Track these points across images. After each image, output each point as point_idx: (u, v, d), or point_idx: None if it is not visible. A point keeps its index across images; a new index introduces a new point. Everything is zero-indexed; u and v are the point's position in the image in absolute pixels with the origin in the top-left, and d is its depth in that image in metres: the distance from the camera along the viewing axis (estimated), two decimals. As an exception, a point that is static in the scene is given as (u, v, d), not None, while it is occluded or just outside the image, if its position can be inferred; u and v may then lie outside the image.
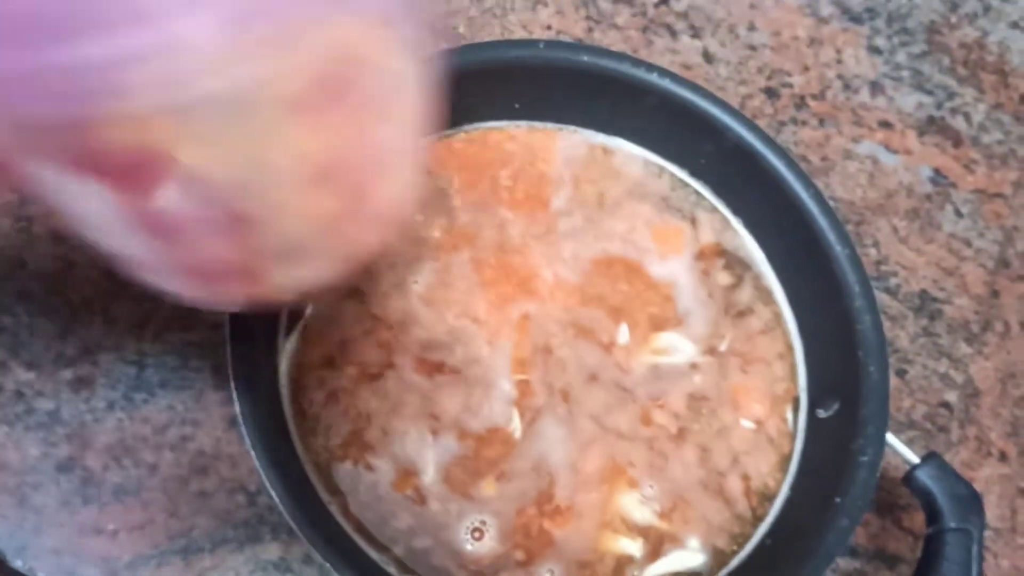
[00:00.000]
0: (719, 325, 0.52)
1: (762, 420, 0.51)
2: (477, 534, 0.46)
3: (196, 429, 0.49)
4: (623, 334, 0.51)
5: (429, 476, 0.46)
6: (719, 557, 0.48)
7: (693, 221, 0.55)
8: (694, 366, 0.51)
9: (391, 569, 0.44)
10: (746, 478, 0.49)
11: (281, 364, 0.47)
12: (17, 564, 0.45)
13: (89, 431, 0.48)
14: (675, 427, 0.50)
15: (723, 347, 0.52)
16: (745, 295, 0.53)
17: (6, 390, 0.48)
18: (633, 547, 0.47)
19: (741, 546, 0.48)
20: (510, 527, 0.46)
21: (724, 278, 0.53)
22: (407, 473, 0.46)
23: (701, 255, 0.54)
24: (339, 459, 0.46)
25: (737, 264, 0.54)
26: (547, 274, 0.52)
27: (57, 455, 0.47)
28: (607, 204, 0.54)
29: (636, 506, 0.48)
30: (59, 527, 0.46)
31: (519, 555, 0.46)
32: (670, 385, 0.51)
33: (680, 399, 0.50)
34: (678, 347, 0.52)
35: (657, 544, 0.47)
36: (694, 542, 0.48)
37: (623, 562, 0.47)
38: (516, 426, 0.48)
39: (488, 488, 0.47)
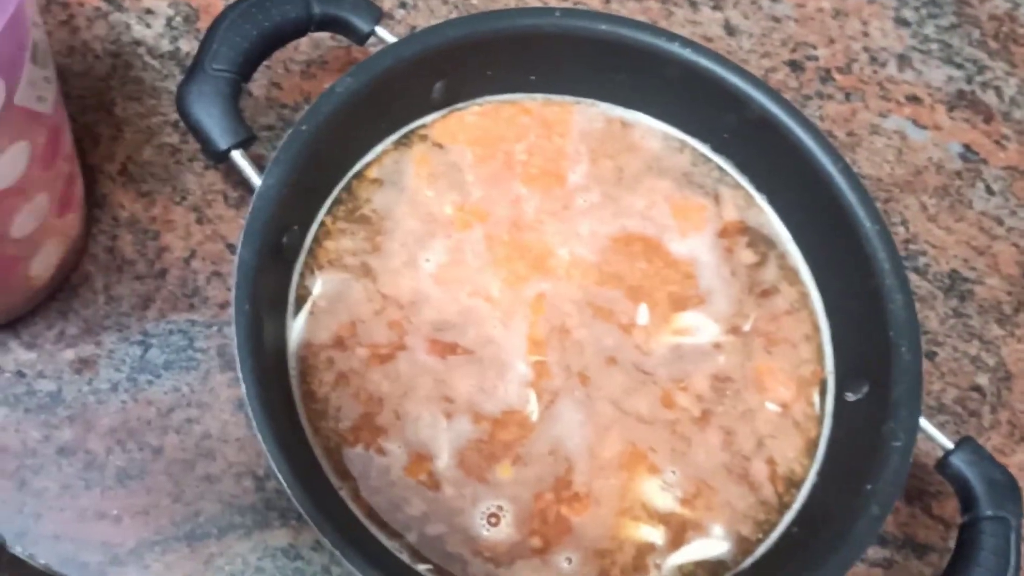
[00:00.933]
0: (743, 304, 0.50)
1: (788, 403, 0.49)
2: (493, 520, 0.44)
3: (202, 411, 0.47)
4: (642, 314, 0.49)
5: (443, 460, 0.45)
6: (744, 545, 0.46)
7: (716, 197, 0.53)
8: (717, 346, 0.49)
9: (403, 556, 0.43)
10: (772, 462, 0.47)
11: (290, 344, 0.46)
12: (17, 550, 0.43)
13: (92, 413, 0.46)
14: (698, 410, 0.48)
15: (747, 327, 0.50)
16: (770, 274, 0.51)
17: (6, 371, 0.46)
18: (655, 535, 0.45)
19: (767, 534, 0.46)
20: (527, 513, 0.44)
21: (748, 256, 0.51)
22: (420, 457, 0.45)
23: (724, 232, 0.52)
24: (350, 443, 0.44)
25: (761, 242, 0.52)
26: (563, 252, 0.50)
27: (59, 438, 0.45)
28: (625, 179, 0.52)
29: (657, 492, 0.46)
30: (60, 512, 0.44)
31: (536, 542, 0.44)
32: (692, 367, 0.49)
33: (703, 381, 0.48)
34: (700, 327, 0.50)
35: (680, 532, 0.46)
36: (718, 529, 0.46)
37: (644, 550, 0.45)
38: (533, 408, 0.46)
39: (504, 472, 0.45)
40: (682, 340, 0.49)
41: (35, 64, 0.36)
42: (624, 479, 0.46)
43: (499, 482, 0.45)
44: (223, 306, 0.49)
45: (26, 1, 0.34)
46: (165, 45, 0.54)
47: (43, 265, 0.44)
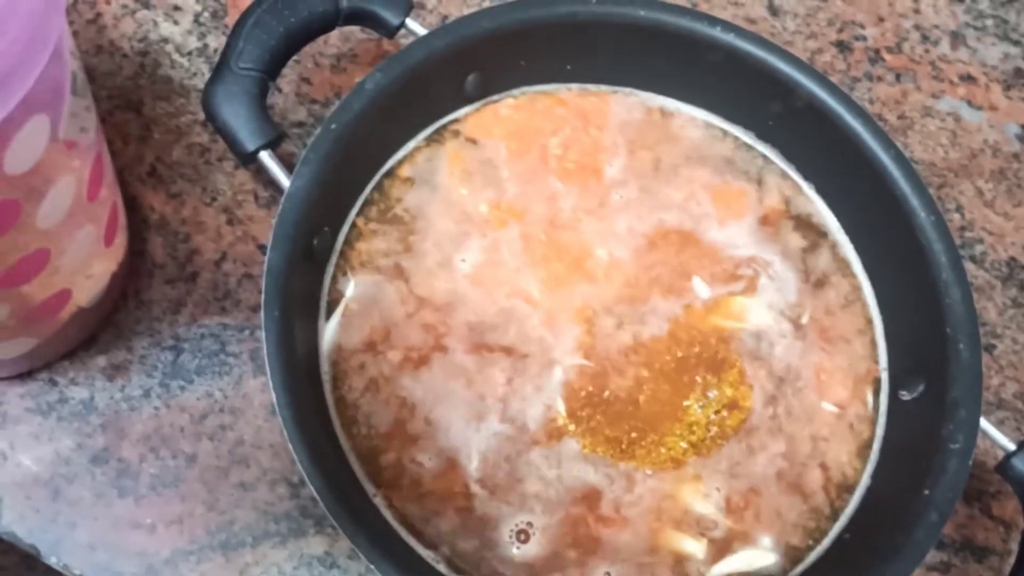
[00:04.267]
0: (800, 293, 0.48)
1: (845, 404, 0.47)
2: (523, 536, 0.43)
3: (235, 418, 0.46)
4: (700, 290, 0.47)
5: (474, 466, 0.43)
6: (793, 554, 0.44)
7: (759, 182, 0.50)
8: (771, 340, 0.47)
9: (441, 567, 0.42)
10: (825, 468, 0.45)
11: (322, 348, 0.45)
12: (52, 560, 0.43)
13: (124, 420, 0.46)
14: (747, 414, 0.46)
15: (805, 319, 0.48)
16: (822, 262, 0.49)
17: (38, 378, 0.46)
18: (696, 547, 0.43)
19: (817, 541, 0.44)
20: (559, 525, 0.43)
21: (796, 239, 0.49)
22: (452, 464, 0.43)
23: (766, 220, 0.50)
24: (382, 450, 0.43)
25: (811, 232, 0.50)
26: (601, 253, 0.48)
27: (92, 446, 0.45)
28: (663, 171, 0.50)
29: (700, 501, 0.44)
30: (94, 521, 0.44)
31: (572, 554, 0.43)
32: (748, 363, 0.47)
33: (758, 377, 0.46)
34: (754, 311, 0.48)
35: (725, 543, 0.44)
36: (766, 540, 0.44)
37: (685, 560, 0.43)
38: (564, 412, 0.45)
39: (534, 486, 0.43)
40: (736, 325, 0.47)
41: (75, 95, 0.35)
42: (668, 485, 0.44)
43: (530, 493, 0.43)
44: (255, 309, 0.48)
45: (64, 34, 0.33)
46: (193, 42, 0.53)
47: (91, 294, 0.44)
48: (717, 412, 0.46)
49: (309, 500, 0.45)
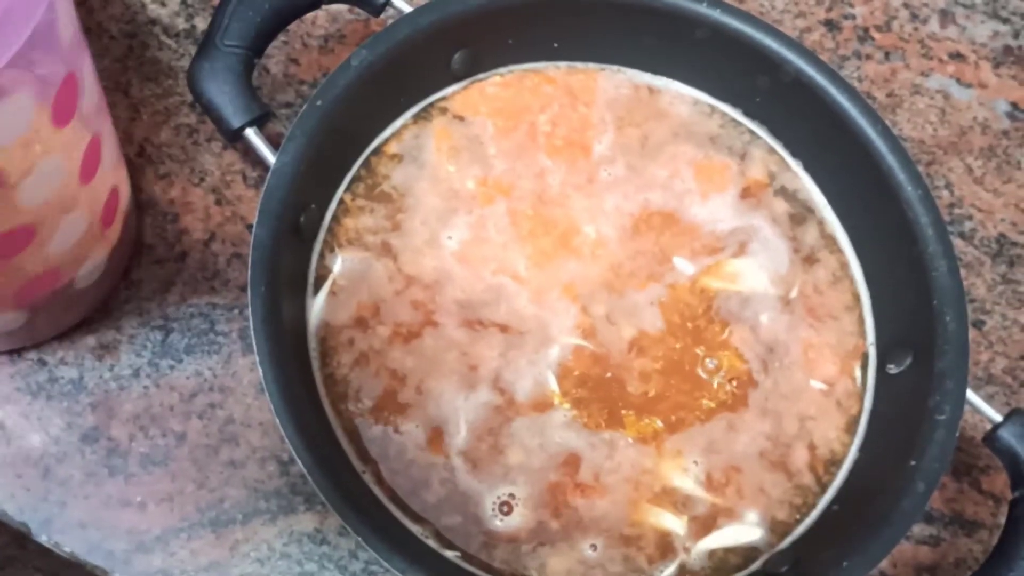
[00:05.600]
0: (792, 264, 0.48)
1: (833, 380, 0.47)
2: (505, 508, 0.43)
3: (225, 396, 0.46)
4: (683, 268, 0.47)
5: (461, 437, 0.43)
6: (780, 528, 0.44)
7: (742, 156, 0.51)
8: (756, 309, 0.47)
9: (430, 542, 0.42)
10: (812, 447, 0.45)
11: (309, 325, 0.45)
12: (43, 538, 0.43)
13: (114, 400, 0.46)
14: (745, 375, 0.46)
15: (793, 294, 0.48)
16: (810, 237, 0.49)
17: (27, 358, 0.46)
18: (675, 523, 0.43)
19: (805, 515, 0.45)
20: (540, 495, 0.43)
21: (781, 204, 0.49)
22: (437, 433, 0.43)
23: (747, 192, 0.50)
24: (369, 423, 0.43)
25: (796, 203, 0.50)
26: (589, 230, 0.48)
27: (81, 425, 0.45)
28: (649, 148, 0.50)
29: (679, 475, 0.44)
30: (85, 500, 0.44)
31: (555, 525, 0.43)
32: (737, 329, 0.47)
33: (745, 346, 0.47)
34: (746, 274, 0.48)
35: (709, 518, 0.44)
36: (752, 516, 0.44)
37: (670, 534, 0.43)
38: (555, 389, 0.45)
39: (517, 456, 0.43)
40: (725, 286, 0.48)
41: (72, 68, 0.35)
42: (651, 459, 0.44)
43: (513, 465, 0.43)
44: (244, 288, 0.48)
45: None
46: (180, 23, 0.53)
47: (85, 275, 0.43)
48: (729, 380, 0.46)
49: (299, 477, 0.45)
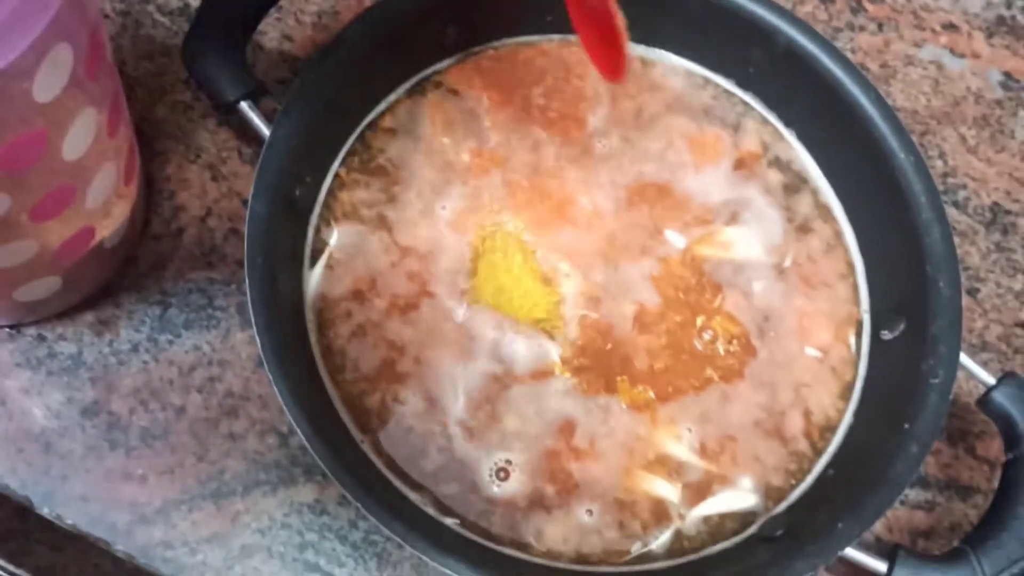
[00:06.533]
0: (787, 234, 0.49)
1: (827, 348, 0.47)
2: (503, 474, 0.43)
3: (224, 370, 0.47)
4: (674, 241, 0.48)
5: (460, 405, 0.44)
6: (775, 494, 0.45)
7: (735, 128, 0.51)
8: (750, 277, 0.48)
9: (429, 510, 0.42)
10: (807, 414, 0.46)
11: (307, 298, 0.45)
12: (44, 511, 0.44)
13: (113, 375, 0.46)
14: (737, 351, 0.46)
15: (787, 263, 0.48)
16: (804, 207, 0.49)
17: (27, 334, 0.46)
18: (669, 490, 0.44)
19: (800, 480, 0.45)
20: (536, 460, 0.43)
21: (774, 175, 0.50)
22: (434, 402, 0.44)
23: (741, 163, 0.50)
24: (367, 393, 0.44)
25: (790, 173, 0.50)
26: (585, 201, 0.48)
27: (82, 400, 0.45)
28: (643, 120, 0.50)
29: (672, 442, 0.44)
30: (86, 473, 0.44)
31: (551, 490, 0.43)
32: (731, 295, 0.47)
33: (739, 311, 0.47)
34: (740, 242, 0.48)
35: (704, 485, 0.44)
36: (746, 482, 0.45)
37: (663, 503, 0.44)
38: (555, 359, 0.45)
39: (513, 423, 0.44)
40: (719, 254, 0.48)
41: (97, 25, 0.36)
42: (644, 429, 0.45)
43: (511, 432, 0.44)
44: (241, 263, 0.48)
45: None
46: (174, 2, 0.53)
47: (112, 232, 0.44)
48: (729, 342, 0.46)
49: (298, 449, 0.46)
